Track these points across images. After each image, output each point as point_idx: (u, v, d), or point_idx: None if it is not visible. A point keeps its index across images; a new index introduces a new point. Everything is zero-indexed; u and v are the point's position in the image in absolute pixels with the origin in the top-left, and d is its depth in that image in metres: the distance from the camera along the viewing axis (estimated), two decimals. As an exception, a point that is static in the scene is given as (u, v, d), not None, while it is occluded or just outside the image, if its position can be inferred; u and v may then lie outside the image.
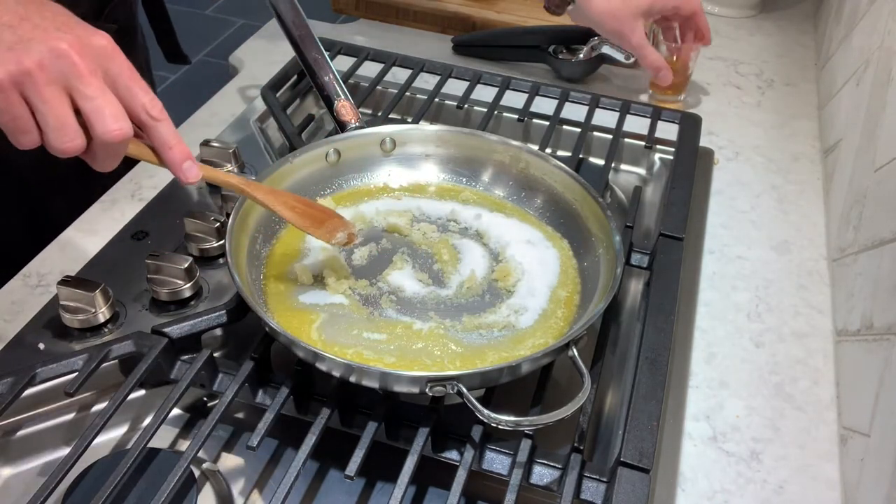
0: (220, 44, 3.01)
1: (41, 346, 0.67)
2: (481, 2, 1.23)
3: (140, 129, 0.56)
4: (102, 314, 0.69)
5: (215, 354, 0.65)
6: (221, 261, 0.77)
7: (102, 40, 0.53)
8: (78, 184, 0.87)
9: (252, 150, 0.91)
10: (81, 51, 0.51)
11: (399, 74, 1.03)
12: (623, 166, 1.00)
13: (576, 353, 0.61)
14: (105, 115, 0.52)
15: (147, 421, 0.61)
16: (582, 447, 0.60)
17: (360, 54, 1.05)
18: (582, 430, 0.61)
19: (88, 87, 0.52)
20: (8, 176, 0.89)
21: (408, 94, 1.01)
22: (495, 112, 0.97)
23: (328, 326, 0.66)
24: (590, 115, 0.96)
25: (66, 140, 0.52)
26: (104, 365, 0.63)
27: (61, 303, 0.69)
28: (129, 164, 0.90)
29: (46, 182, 0.92)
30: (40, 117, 0.51)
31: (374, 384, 0.59)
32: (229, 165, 0.85)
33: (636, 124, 0.96)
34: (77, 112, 0.53)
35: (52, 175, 0.92)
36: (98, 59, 0.52)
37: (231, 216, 0.68)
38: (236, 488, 0.62)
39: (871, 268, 0.70)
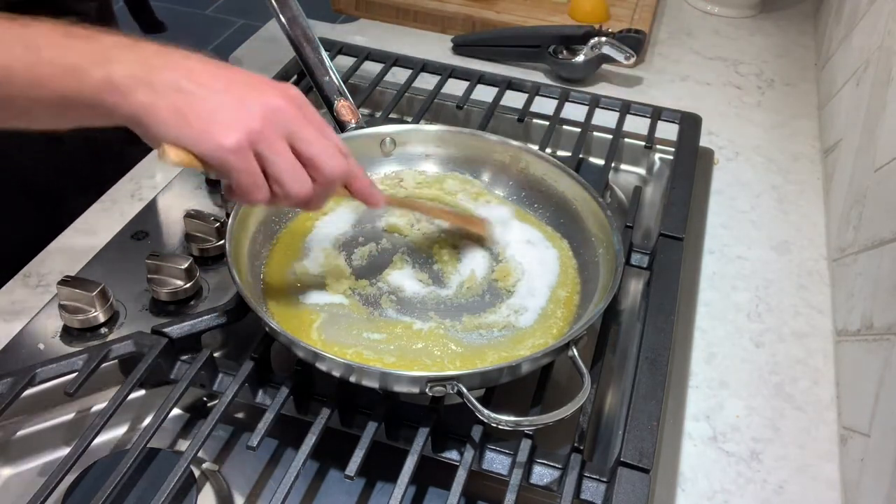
0: (220, 44, 3.01)
1: (41, 346, 0.67)
2: (481, 2, 1.23)
3: None
4: (102, 314, 0.69)
5: (215, 354, 0.65)
6: (221, 261, 0.77)
7: (294, 90, 0.57)
8: (83, 185, 0.87)
9: (252, 150, 0.91)
10: (290, 102, 0.55)
11: (399, 74, 1.03)
12: (623, 166, 1.00)
13: (576, 353, 0.61)
14: (330, 155, 0.56)
15: (147, 421, 0.61)
16: (582, 447, 0.60)
17: (360, 54, 1.05)
18: (582, 430, 0.61)
19: (309, 133, 0.55)
20: (13, 177, 0.89)
21: (408, 94, 1.01)
22: (495, 112, 0.97)
23: (328, 326, 0.66)
24: (590, 115, 0.96)
25: (302, 185, 0.56)
26: (104, 365, 0.63)
27: (61, 303, 0.69)
28: (129, 164, 0.90)
29: (52, 183, 0.92)
30: (274, 169, 0.54)
31: (374, 384, 0.59)
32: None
33: (636, 124, 0.96)
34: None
35: (57, 176, 0.92)
36: (299, 106, 0.56)
37: (231, 216, 0.68)
38: (236, 488, 0.62)
39: (871, 268, 0.70)
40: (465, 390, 0.57)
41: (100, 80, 0.51)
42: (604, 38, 1.08)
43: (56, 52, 0.51)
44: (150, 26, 1.08)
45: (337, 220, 0.77)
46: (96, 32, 0.53)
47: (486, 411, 0.56)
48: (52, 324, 0.69)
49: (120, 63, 0.51)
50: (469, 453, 0.59)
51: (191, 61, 0.54)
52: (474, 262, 0.74)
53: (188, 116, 0.51)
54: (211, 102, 0.52)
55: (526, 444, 0.59)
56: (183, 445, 0.65)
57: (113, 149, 0.88)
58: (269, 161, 0.54)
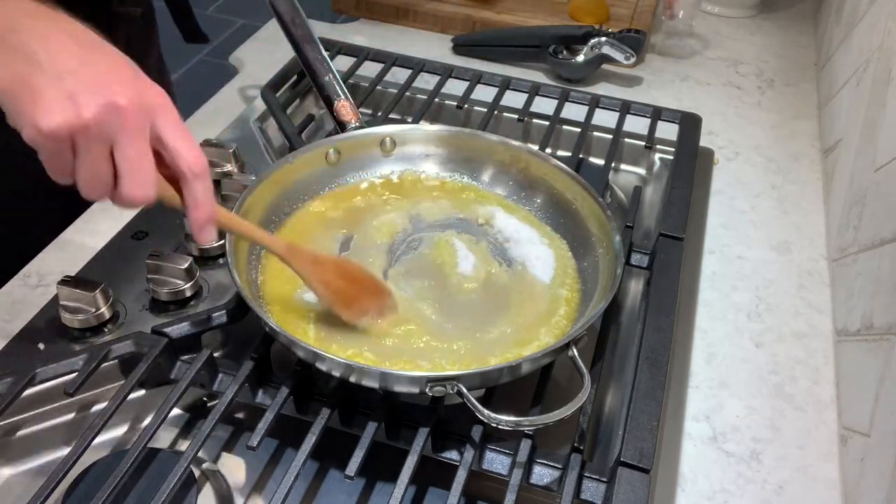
0: (220, 44, 3.01)
1: (41, 346, 0.67)
2: (481, 2, 1.23)
3: (177, 178, 0.56)
4: (102, 314, 0.69)
5: (215, 354, 0.65)
6: (221, 261, 0.77)
7: (158, 96, 0.53)
8: None
9: (252, 150, 0.91)
10: (136, 106, 0.51)
11: (399, 74, 1.03)
12: (623, 166, 1.00)
13: (576, 353, 0.61)
14: (134, 179, 0.52)
15: (147, 421, 0.61)
16: (582, 447, 0.60)
17: (360, 54, 1.05)
18: (582, 430, 0.61)
19: (131, 147, 0.52)
20: (26, 166, 0.88)
21: (408, 94, 1.01)
22: (495, 112, 0.97)
23: (327, 326, 0.66)
24: (590, 115, 0.96)
25: (94, 193, 0.53)
26: (104, 365, 0.63)
27: (61, 303, 0.68)
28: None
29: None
30: (79, 165, 0.51)
31: (374, 384, 0.58)
32: (229, 165, 0.85)
33: (636, 124, 0.96)
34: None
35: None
36: (149, 113, 0.52)
37: (231, 216, 0.68)
38: (236, 488, 0.62)
39: (871, 268, 0.70)
40: (465, 390, 0.57)
41: None
42: (604, 38, 1.08)
43: None
44: (192, 36, 1.07)
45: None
46: None
47: (486, 411, 0.56)
48: (52, 324, 0.69)
49: None
50: (469, 453, 0.59)
51: (58, 29, 0.51)
52: (474, 262, 0.74)
53: (20, 86, 0.49)
54: (50, 80, 0.49)
55: (526, 444, 0.59)
56: (183, 445, 0.65)
57: None
58: (78, 157, 0.51)
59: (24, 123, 0.49)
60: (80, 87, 0.49)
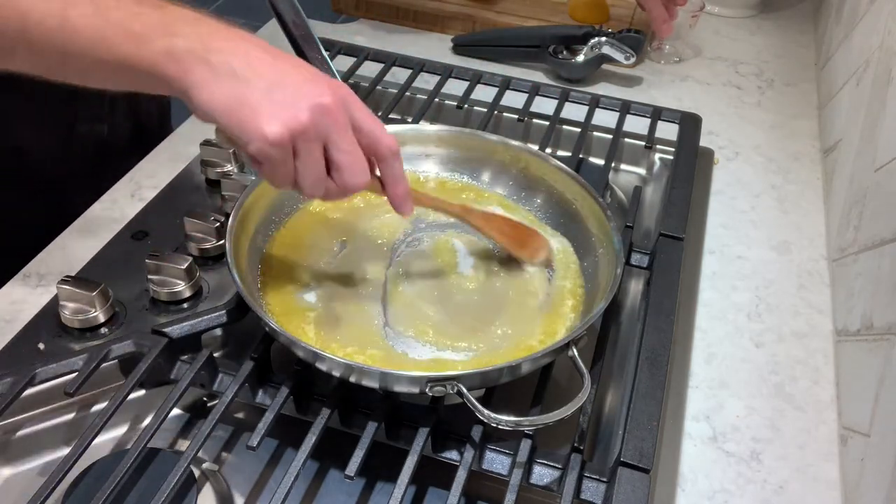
0: (220, 44, 3.01)
1: (41, 346, 0.67)
2: (481, 2, 1.23)
3: (374, 163, 0.60)
4: (102, 314, 0.69)
5: (215, 354, 0.65)
6: (221, 261, 0.77)
7: (345, 89, 0.57)
8: (97, 176, 0.87)
9: (252, 150, 0.91)
10: (337, 101, 0.55)
11: (399, 74, 1.03)
12: (623, 166, 1.00)
13: (576, 353, 0.61)
14: (354, 169, 0.56)
15: (147, 421, 0.61)
16: (582, 447, 0.60)
17: (360, 54, 1.05)
18: (582, 430, 0.61)
19: (344, 142, 0.55)
20: (27, 166, 0.89)
21: (408, 94, 1.01)
22: (495, 112, 0.97)
23: (327, 325, 0.66)
24: (590, 115, 0.96)
25: (318, 190, 0.57)
26: (104, 365, 0.63)
27: (61, 303, 0.68)
28: (132, 160, 0.90)
29: (67, 174, 0.92)
30: (301, 168, 0.55)
31: (374, 384, 0.58)
32: (229, 165, 0.85)
33: (636, 124, 0.96)
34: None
35: (72, 167, 0.92)
36: (347, 106, 0.56)
37: (231, 216, 0.68)
38: (236, 488, 0.63)
39: (871, 268, 0.70)
40: (465, 390, 0.57)
41: (160, 51, 0.52)
42: (604, 38, 1.08)
43: (123, 17, 0.52)
44: None
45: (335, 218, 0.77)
46: (165, 2, 0.54)
47: (486, 411, 0.56)
48: (52, 324, 0.69)
49: (182, 37, 0.52)
50: (469, 453, 0.59)
51: (249, 45, 0.54)
52: (474, 262, 0.74)
53: (238, 104, 0.52)
54: (262, 93, 0.52)
55: (526, 444, 0.59)
56: (183, 445, 0.65)
57: (122, 147, 0.89)
58: (300, 159, 0.55)
59: (252, 137, 0.53)
60: (289, 95, 0.53)
